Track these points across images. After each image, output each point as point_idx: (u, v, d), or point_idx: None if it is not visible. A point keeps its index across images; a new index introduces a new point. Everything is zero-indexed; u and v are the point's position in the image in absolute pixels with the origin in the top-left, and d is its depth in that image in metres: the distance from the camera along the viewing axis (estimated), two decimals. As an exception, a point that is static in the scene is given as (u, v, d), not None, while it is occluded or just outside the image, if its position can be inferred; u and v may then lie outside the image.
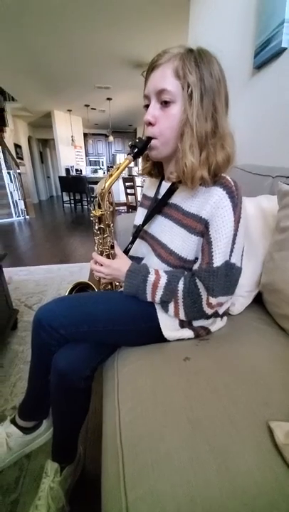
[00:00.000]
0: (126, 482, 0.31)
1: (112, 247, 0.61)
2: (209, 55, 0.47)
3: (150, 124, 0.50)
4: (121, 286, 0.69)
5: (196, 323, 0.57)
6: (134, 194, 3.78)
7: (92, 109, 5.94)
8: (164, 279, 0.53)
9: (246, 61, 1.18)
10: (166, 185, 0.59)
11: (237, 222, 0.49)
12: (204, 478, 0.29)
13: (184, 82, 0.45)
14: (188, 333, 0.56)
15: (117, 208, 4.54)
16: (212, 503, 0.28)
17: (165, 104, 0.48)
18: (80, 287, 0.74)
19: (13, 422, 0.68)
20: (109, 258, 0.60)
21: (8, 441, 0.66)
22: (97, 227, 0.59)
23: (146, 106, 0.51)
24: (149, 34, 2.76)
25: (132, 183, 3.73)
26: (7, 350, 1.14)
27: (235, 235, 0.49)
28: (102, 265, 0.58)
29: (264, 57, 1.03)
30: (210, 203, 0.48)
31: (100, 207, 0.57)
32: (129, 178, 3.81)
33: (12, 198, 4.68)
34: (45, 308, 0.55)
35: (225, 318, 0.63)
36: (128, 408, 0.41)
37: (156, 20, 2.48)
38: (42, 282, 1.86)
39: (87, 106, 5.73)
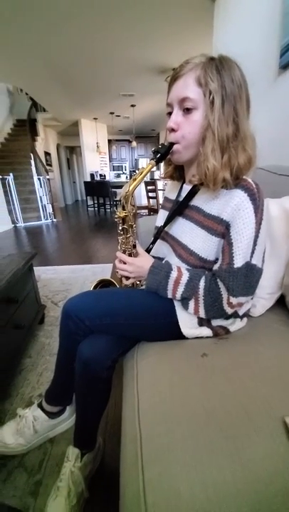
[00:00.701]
0: (143, 461, 0.33)
1: (134, 246, 0.64)
2: (230, 61, 0.48)
3: (173, 130, 0.53)
4: (142, 285, 0.72)
5: (215, 323, 0.58)
6: (155, 197, 3.83)
7: (117, 116, 6.15)
8: (185, 276, 0.55)
9: (272, 61, 1.16)
10: (187, 188, 0.61)
11: (259, 224, 0.50)
12: (217, 463, 0.31)
13: (205, 90, 0.47)
14: (206, 331, 0.58)
15: (138, 211, 4.62)
16: (224, 486, 0.29)
17: (187, 111, 0.50)
18: (103, 284, 0.79)
19: (40, 406, 0.74)
20: (131, 257, 0.63)
21: (35, 424, 0.71)
22: (120, 228, 0.63)
23: (169, 113, 0.54)
24: (172, 40, 2.81)
25: (153, 187, 3.77)
26: (35, 342, 1.22)
27: (256, 237, 0.50)
28: (125, 263, 0.61)
29: (290, 57, 1.02)
30: (231, 205, 0.49)
31: (123, 208, 0.61)
32: (151, 182, 3.86)
33: (41, 202, 4.99)
34: (73, 301, 0.59)
35: (245, 319, 0.63)
36: (147, 396, 0.43)
37: (180, 25, 2.51)
38: (67, 281, 1.96)
39: (112, 113, 5.96)
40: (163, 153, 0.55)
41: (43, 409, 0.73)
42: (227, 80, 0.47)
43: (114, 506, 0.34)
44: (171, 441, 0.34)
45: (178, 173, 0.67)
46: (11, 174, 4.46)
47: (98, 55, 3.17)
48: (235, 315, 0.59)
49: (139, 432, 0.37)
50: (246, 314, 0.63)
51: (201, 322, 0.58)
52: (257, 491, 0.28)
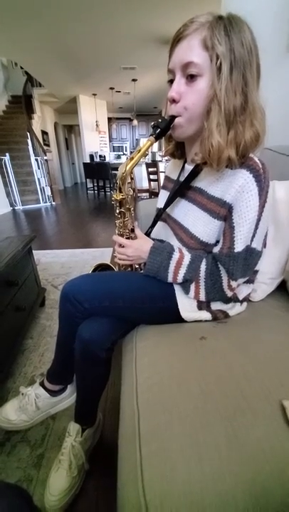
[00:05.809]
0: (141, 438, 0.34)
1: (133, 230, 0.62)
2: (240, 21, 0.43)
3: (174, 101, 0.48)
4: (141, 269, 0.71)
5: (215, 307, 0.58)
6: (157, 180, 3.72)
7: (117, 91, 5.83)
8: (187, 258, 0.54)
9: (285, 29, 1.06)
10: (189, 168, 0.57)
11: (262, 206, 0.48)
12: (213, 441, 0.31)
13: (212, 54, 0.42)
14: (205, 315, 0.57)
15: (139, 195, 4.52)
16: (220, 463, 0.29)
17: (191, 78, 0.45)
18: (101, 268, 0.78)
19: (42, 384, 0.76)
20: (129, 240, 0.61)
21: (37, 402, 0.74)
22: (118, 211, 0.61)
23: (171, 81, 0.49)
24: (177, 8, 2.58)
25: (155, 169, 3.66)
26: (36, 324, 1.24)
27: (258, 220, 0.48)
28: (123, 247, 0.60)
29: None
30: (235, 187, 0.47)
31: (120, 191, 0.58)
32: (153, 164, 3.74)
33: (40, 184, 4.87)
34: (72, 283, 0.59)
35: (245, 303, 0.63)
36: (145, 377, 0.44)
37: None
38: (67, 265, 1.95)
39: (112, 89, 5.64)
40: (163, 128, 0.50)
41: (44, 388, 0.75)
42: (236, 43, 0.42)
43: (113, 477, 0.36)
44: (168, 419, 0.35)
45: (179, 151, 0.63)
46: (7, 154, 4.31)
47: (98, 25, 2.93)
48: (235, 299, 0.59)
49: (137, 410, 0.38)
50: (246, 299, 0.63)
51: (201, 306, 0.57)
52: (253, 470, 0.28)
